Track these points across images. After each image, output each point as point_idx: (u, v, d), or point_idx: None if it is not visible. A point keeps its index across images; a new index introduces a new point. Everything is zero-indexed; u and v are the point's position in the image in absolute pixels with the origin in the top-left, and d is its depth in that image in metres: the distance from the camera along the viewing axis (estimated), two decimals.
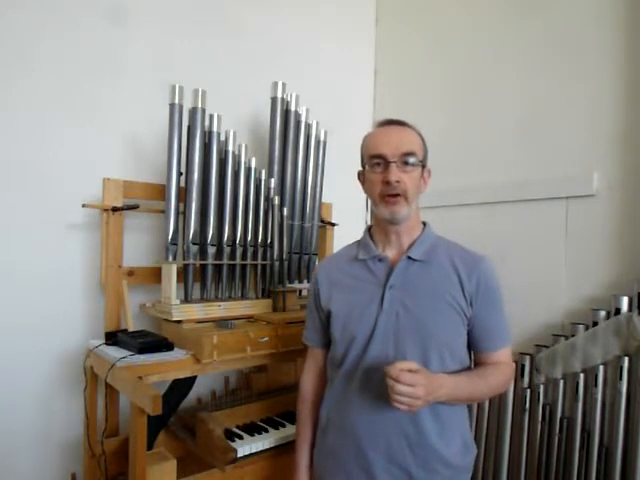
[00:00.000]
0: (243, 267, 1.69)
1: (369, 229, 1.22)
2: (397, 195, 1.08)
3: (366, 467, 1.08)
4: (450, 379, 1.03)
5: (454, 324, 1.08)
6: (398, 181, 1.06)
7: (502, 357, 1.12)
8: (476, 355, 1.14)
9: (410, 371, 0.95)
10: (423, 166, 1.13)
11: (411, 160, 1.08)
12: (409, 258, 1.11)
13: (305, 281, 1.91)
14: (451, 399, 1.03)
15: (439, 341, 1.07)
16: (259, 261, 1.69)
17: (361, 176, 1.19)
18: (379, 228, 1.17)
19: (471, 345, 1.13)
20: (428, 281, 1.10)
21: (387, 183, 1.07)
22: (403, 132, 1.12)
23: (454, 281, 1.09)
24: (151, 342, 1.37)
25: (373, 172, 1.11)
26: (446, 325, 1.08)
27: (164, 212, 1.56)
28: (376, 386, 1.05)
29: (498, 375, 1.11)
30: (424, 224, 1.20)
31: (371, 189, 1.13)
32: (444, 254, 1.13)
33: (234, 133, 1.65)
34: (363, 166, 1.17)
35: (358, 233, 2.64)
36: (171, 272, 1.49)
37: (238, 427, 1.53)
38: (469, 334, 1.11)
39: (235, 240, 1.66)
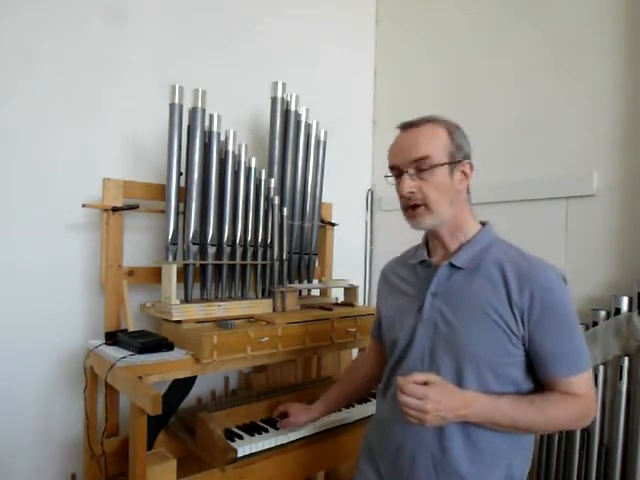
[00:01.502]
0: (243, 267, 1.68)
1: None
2: (417, 206, 1.00)
3: (393, 471, 1.06)
4: (485, 399, 0.93)
5: (496, 341, 0.96)
6: (412, 192, 0.99)
7: (574, 386, 0.95)
8: (541, 382, 0.99)
9: (427, 383, 0.90)
10: (452, 163, 1.01)
11: (423, 166, 0.99)
12: (451, 265, 1.03)
13: (305, 281, 1.91)
14: (485, 422, 0.94)
15: (476, 358, 0.96)
16: (259, 261, 1.69)
17: None
18: (428, 233, 1.11)
19: (534, 369, 0.98)
20: (470, 291, 0.99)
21: (401, 196, 1.01)
22: (416, 135, 1.01)
23: (500, 293, 0.96)
24: (151, 342, 1.37)
25: (395, 183, 1.05)
26: (485, 341, 0.96)
27: (164, 212, 1.56)
28: None
29: (564, 406, 0.94)
30: (483, 224, 1.08)
31: (398, 200, 1.06)
32: (493, 261, 1.00)
33: (234, 133, 1.65)
34: None
35: (358, 233, 2.66)
36: (171, 272, 1.49)
37: (238, 427, 1.52)
38: (529, 356, 0.97)
39: (235, 240, 1.66)
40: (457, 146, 1.02)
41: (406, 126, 1.05)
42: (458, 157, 1.02)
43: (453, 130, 1.04)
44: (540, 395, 0.97)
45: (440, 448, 0.99)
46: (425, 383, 0.91)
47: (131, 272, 1.58)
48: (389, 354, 1.14)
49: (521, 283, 0.95)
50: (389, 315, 1.15)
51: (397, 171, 1.03)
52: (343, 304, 1.92)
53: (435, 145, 1.00)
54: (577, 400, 0.95)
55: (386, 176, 1.08)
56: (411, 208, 1.01)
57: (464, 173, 1.04)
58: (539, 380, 0.99)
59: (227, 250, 1.65)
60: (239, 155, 1.67)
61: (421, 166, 0.99)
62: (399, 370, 1.07)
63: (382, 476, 1.09)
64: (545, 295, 0.94)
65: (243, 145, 1.68)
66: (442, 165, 1.00)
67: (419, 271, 1.10)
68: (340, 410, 1.60)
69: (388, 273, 1.22)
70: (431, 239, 1.10)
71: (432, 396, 0.89)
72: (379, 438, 1.12)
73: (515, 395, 0.96)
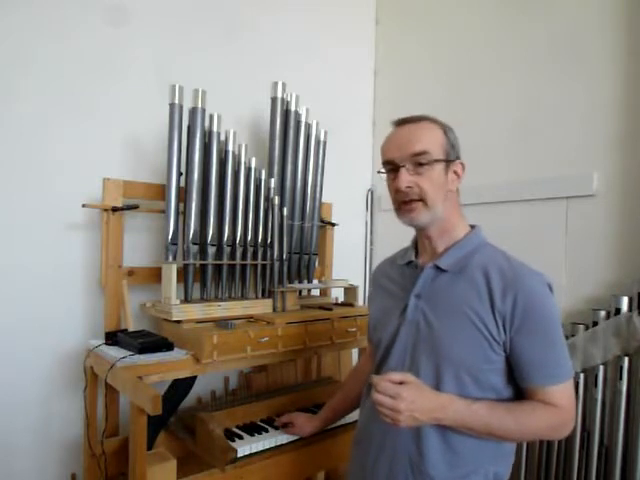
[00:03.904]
0: (243, 267, 1.68)
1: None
2: (413, 201, 0.99)
3: (374, 472, 1.06)
4: (460, 403, 0.92)
5: (476, 346, 0.94)
6: (410, 186, 0.98)
7: (551, 397, 0.93)
8: (522, 390, 0.98)
9: (402, 383, 0.90)
10: (448, 161, 1.01)
11: (422, 160, 0.97)
12: (436, 267, 1.02)
13: (305, 281, 1.91)
14: (460, 426, 0.93)
15: (455, 362, 0.96)
16: (259, 261, 1.69)
17: None
18: (416, 233, 1.10)
19: (514, 376, 0.97)
20: (453, 294, 0.99)
21: (398, 190, 0.99)
22: (414, 130, 1.00)
23: (483, 298, 0.95)
24: (151, 342, 1.37)
25: (388, 179, 1.03)
26: (465, 345, 0.95)
27: (164, 212, 1.56)
28: None
29: (540, 416, 0.93)
30: (472, 227, 1.08)
31: (390, 197, 1.05)
32: (478, 265, 0.99)
33: (234, 133, 1.65)
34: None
35: (358, 233, 2.66)
36: (171, 272, 1.49)
37: (238, 427, 1.52)
38: (509, 363, 0.96)
39: (235, 240, 1.66)
40: (452, 145, 1.03)
41: (402, 122, 1.04)
42: (452, 156, 1.03)
43: (447, 130, 1.04)
44: (517, 403, 0.96)
45: (417, 452, 0.98)
46: (401, 382, 0.91)
47: (131, 272, 1.58)
48: (375, 355, 1.15)
49: (505, 288, 0.94)
50: (375, 316, 1.16)
51: (392, 165, 1.01)
52: (343, 304, 1.92)
53: (433, 141, 1.00)
54: (554, 411, 0.93)
55: (379, 171, 1.07)
56: (406, 203, 1.00)
57: (456, 173, 1.04)
58: (519, 388, 0.98)
59: (227, 250, 1.65)
60: (239, 155, 1.67)
61: (420, 160, 0.98)
62: (381, 370, 1.07)
63: (365, 476, 1.09)
64: (528, 301, 0.92)
65: (243, 145, 1.68)
66: (439, 161, 0.99)
67: (406, 272, 1.10)
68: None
69: (378, 275, 1.23)
70: (420, 239, 1.09)
71: (405, 395, 0.88)
72: (363, 440, 1.12)
73: (492, 401, 0.95)
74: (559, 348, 0.95)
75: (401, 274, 1.12)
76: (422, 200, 0.99)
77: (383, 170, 1.05)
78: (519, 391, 0.99)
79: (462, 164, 1.05)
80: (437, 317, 0.99)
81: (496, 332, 0.94)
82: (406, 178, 0.98)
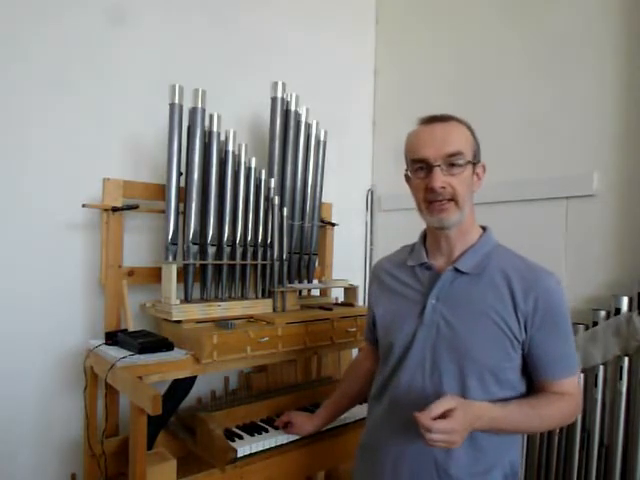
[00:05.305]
0: (243, 267, 1.68)
1: (425, 233, 1.13)
2: (445, 201, 0.98)
3: (394, 475, 1.04)
4: (493, 409, 0.93)
5: (499, 347, 0.97)
6: (444, 187, 0.97)
7: (565, 387, 0.99)
8: (534, 383, 1.02)
9: (448, 411, 0.87)
10: (475, 163, 1.02)
11: (458, 161, 0.97)
12: (456, 270, 1.03)
13: (305, 281, 1.91)
14: (493, 428, 0.95)
15: (479, 364, 0.97)
16: (259, 261, 1.69)
17: (408, 179, 1.07)
18: (430, 233, 1.09)
19: (529, 372, 1.02)
20: (474, 296, 1.00)
21: (431, 190, 0.98)
22: (447, 129, 1.00)
23: (505, 299, 0.98)
24: (151, 342, 1.37)
25: (416, 177, 1.01)
26: (489, 347, 0.97)
27: (164, 212, 1.56)
28: (407, 405, 1.00)
29: (556, 406, 0.98)
30: (484, 229, 1.09)
31: (415, 195, 1.04)
32: (497, 267, 1.01)
33: (234, 133, 1.65)
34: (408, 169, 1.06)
35: (358, 233, 2.66)
36: (171, 272, 1.49)
37: (238, 427, 1.52)
38: (525, 359, 1.00)
39: (235, 240, 1.66)
40: (477, 146, 1.04)
41: (432, 120, 1.02)
42: (478, 158, 1.04)
43: (473, 131, 1.05)
44: (536, 398, 1.00)
45: (445, 453, 0.98)
46: (445, 411, 0.87)
47: (131, 272, 1.58)
48: (384, 358, 1.13)
49: (526, 289, 0.98)
50: (385, 318, 1.13)
51: (424, 164, 0.99)
52: (343, 304, 1.92)
53: (465, 142, 1.01)
54: (569, 400, 1.00)
55: (407, 170, 1.05)
56: (439, 202, 0.99)
57: (478, 175, 1.05)
58: (532, 381, 1.03)
59: (227, 250, 1.65)
60: (239, 155, 1.67)
61: (455, 161, 0.98)
62: (398, 374, 1.06)
63: None
64: (547, 300, 0.97)
65: (243, 145, 1.68)
66: (471, 163, 1.00)
67: (419, 274, 1.08)
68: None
69: (381, 273, 1.19)
70: (436, 240, 1.07)
71: (458, 427, 0.87)
72: (376, 444, 1.10)
73: (517, 401, 0.98)
74: (572, 343, 1.01)
75: (412, 276, 1.10)
76: (453, 200, 0.99)
77: (409, 168, 1.04)
78: (530, 383, 1.03)
79: (483, 166, 1.06)
80: (458, 319, 1.00)
81: (518, 331, 0.97)
82: (440, 178, 0.97)
